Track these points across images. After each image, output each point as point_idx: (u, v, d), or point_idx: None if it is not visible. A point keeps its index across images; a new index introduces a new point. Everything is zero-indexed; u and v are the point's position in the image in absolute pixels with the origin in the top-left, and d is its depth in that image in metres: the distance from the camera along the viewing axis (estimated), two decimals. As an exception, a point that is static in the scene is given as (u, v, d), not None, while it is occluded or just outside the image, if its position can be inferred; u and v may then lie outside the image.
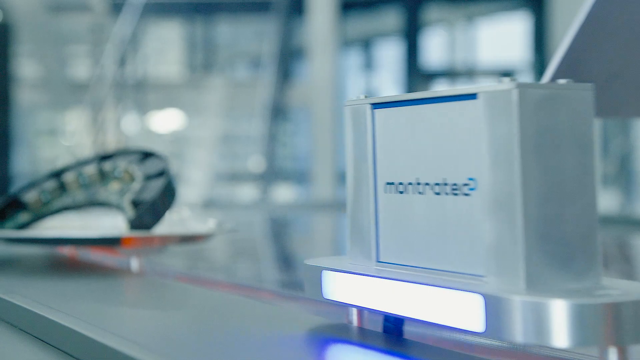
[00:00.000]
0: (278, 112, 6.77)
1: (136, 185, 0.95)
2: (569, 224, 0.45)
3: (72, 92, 7.04)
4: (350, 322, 0.58)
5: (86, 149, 6.38)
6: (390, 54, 7.20)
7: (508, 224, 0.45)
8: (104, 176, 1.02)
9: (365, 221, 0.57)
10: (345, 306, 0.57)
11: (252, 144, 6.69)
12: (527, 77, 6.35)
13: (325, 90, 6.16)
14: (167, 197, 0.94)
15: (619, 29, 0.60)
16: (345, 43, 7.13)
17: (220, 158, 7.01)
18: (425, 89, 6.32)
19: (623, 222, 2.79)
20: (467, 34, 7.11)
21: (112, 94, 6.60)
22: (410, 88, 6.59)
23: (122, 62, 6.67)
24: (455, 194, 0.49)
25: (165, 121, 7.36)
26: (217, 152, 7.01)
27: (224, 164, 6.99)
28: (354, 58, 7.57)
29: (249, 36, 7.82)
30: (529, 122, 0.45)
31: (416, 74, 6.73)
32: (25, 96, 6.54)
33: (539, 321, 0.41)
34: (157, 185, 0.94)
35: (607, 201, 5.28)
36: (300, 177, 7.11)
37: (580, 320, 0.41)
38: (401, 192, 0.54)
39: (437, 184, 0.51)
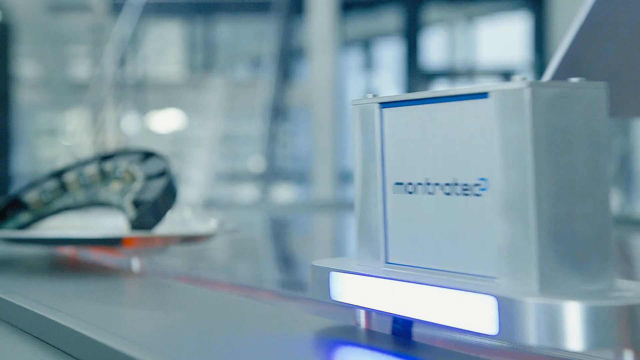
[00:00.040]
0: (278, 112, 6.77)
1: (137, 185, 0.95)
2: (582, 224, 0.45)
3: (72, 92, 7.04)
4: (358, 324, 0.57)
5: (86, 149, 6.37)
6: (390, 54, 7.19)
7: (521, 224, 0.45)
8: (104, 176, 1.01)
9: (374, 222, 0.56)
10: (353, 308, 0.56)
11: (252, 144, 6.69)
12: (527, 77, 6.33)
13: (325, 90, 6.16)
14: (168, 197, 0.94)
15: (619, 29, 0.60)
16: (345, 43, 7.12)
17: (220, 158, 7.01)
18: (425, 88, 6.32)
19: (623, 222, 2.79)
20: (467, 34, 7.11)
21: (112, 94, 6.60)
22: (410, 88, 6.59)
23: (122, 62, 6.66)
24: (466, 195, 0.49)
25: (165, 121, 7.36)
26: (217, 152, 7.01)
27: (224, 164, 6.99)
28: (354, 58, 7.57)
29: (249, 36, 7.82)
30: (541, 121, 0.44)
31: (416, 74, 6.72)
32: (25, 96, 6.54)
33: (553, 324, 0.41)
34: (158, 185, 0.93)
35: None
36: (300, 177, 7.10)
37: (595, 322, 0.40)
38: (410, 193, 0.53)
39: (447, 184, 0.50)
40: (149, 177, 0.96)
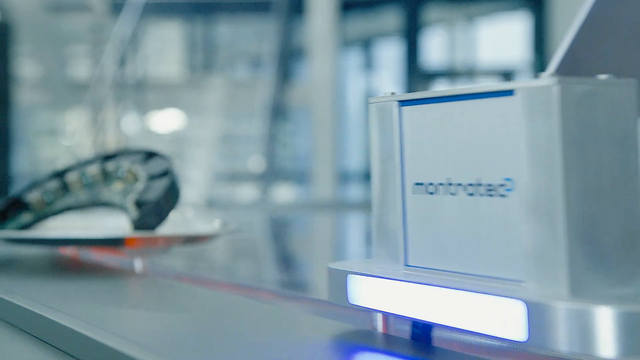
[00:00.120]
0: (278, 112, 6.77)
1: (140, 186, 0.94)
2: (612, 225, 0.43)
3: (72, 92, 7.04)
4: (375, 328, 0.56)
5: (86, 149, 6.37)
6: (390, 54, 7.19)
7: (549, 226, 0.43)
8: (107, 176, 1.01)
9: (393, 223, 0.54)
10: (371, 312, 0.55)
11: (252, 144, 6.69)
12: (527, 77, 6.34)
13: (325, 90, 6.16)
14: (171, 197, 0.93)
15: (620, 29, 0.59)
16: (345, 43, 7.12)
17: (220, 158, 7.01)
18: (425, 89, 6.32)
19: None
20: (467, 34, 7.11)
21: (112, 94, 6.59)
22: (410, 88, 6.58)
23: (122, 62, 6.66)
24: (491, 195, 0.47)
25: (165, 121, 7.36)
26: (217, 152, 7.01)
27: (224, 164, 6.99)
28: (354, 58, 7.57)
29: (249, 36, 7.82)
30: (570, 119, 0.43)
31: (416, 74, 6.72)
32: (25, 96, 6.54)
33: (584, 330, 0.39)
34: (160, 185, 0.93)
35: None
36: (300, 177, 7.10)
37: (629, 329, 0.39)
38: (431, 193, 0.52)
39: (470, 185, 0.49)
40: (152, 177, 0.95)
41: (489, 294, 0.44)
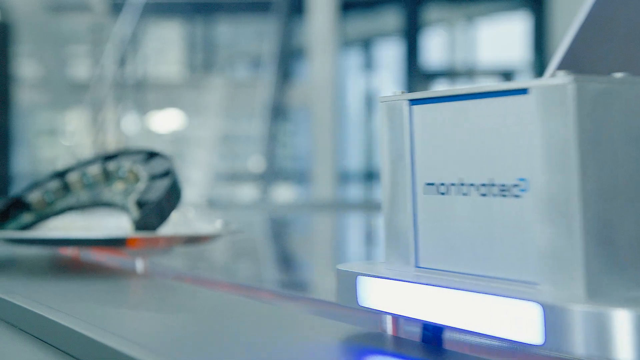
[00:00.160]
0: (278, 112, 6.76)
1: (141, 186, 0.94)
2: (629, 226, 0.42)
3: (72, 92, 7.04)
4: (384, 331, 0.55)
5: (86, 149, 6.37)
6: (390, 54, 7.19)
7: (565, 227, 0.42)
8: (108, 176, 1.00)
9: (403, 224, 0.54)
10: (381, 314, 0.54)
11: (252, 144, 6.69)
12: (527, 77, 6.34)
13: (325, 90, 6.15)
14: (172, 197, 0.93)
15: (620, 28, 0.59)
16: (345, 43, 7.12)
17: (220, 158, 7.01)
18: (425, 89, 6.31)
19: None
20: (467, 34, 7.11)
21: (112, 94, 6.59)
22: (410, 88, 6.58)
23: (122, 62, 6.66)
24: (504, 196, 0.46)
25: (165, 121, 7.36)
26: (217, 152, 7.01)
27: (224, 164, 6.99)
28: (354, 58, 7.57)
29: (249, 36, 7.82)
30: (586, 118, 0.42)
31: (416, 74, 6.72)
32: (25, 96, 6.53)
33: (602, 333, 0.39)
34: (162, 185, 0.93)
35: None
36: (300, 177, 7.10)
37: None
38: (442, 194, 0.51)
39: (483, 185, 0.48)
40: (153, 177, 0.95)
41: (503, 296, 0.43)
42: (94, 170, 1.01)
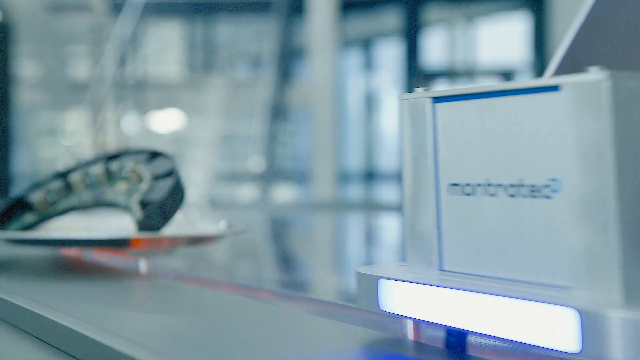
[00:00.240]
0: (278, 112, 6.76)
1: (144, 186, 0.94)
2: None
3: (72, 92, 7.03)
4: (405, 336, 0.54)
5: (86, 149, 6.37)
6: (390, 54, 7.19)
7: (600, 228, 0.40)
8: (110, 176, 1.00)
9: (426, 226, 0.52)
10: (403, 318, 0.52)
11: (252, 144, 6.68)
12: (527, 77, 6.33)
13: (325, 90, 6.15)
14: (176, 197, 0.93)
15: (620, 28, 0.59)
16: (345, 43, 7.12)
17: (220, 158, 7.01)
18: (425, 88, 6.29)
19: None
20: (467, 34, 7.10)
21: (112, 94, 6.59)
22: (410, 88, 6.57)
23: (122, 62, 6.66)
24: (534, 197, 0.44)
25: (165, 121, 7.35)
26: (217, 152, 7.01)
27: (224, 164, 6.98)
28: (354, 58, 7.56)
29: (249, 36, 7.81)
30: (622, 115, 0.40)
31: (416, 74, 6.71)
32: (25, 96, 6.53)
33: None
34: (165, 185, 0.92)
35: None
36: (300, 177, 7.10)
37: None
38: (468, 194, 0.49)
39: (511, 186, 0.46)
40: (156, 177, 0.95)
41: (536, 301, 0.41)
42: (97, 170, 1.00)
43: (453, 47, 7.15)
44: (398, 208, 4.18)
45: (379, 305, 0.53)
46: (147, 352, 0.49)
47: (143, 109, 6.99)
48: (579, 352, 0.39)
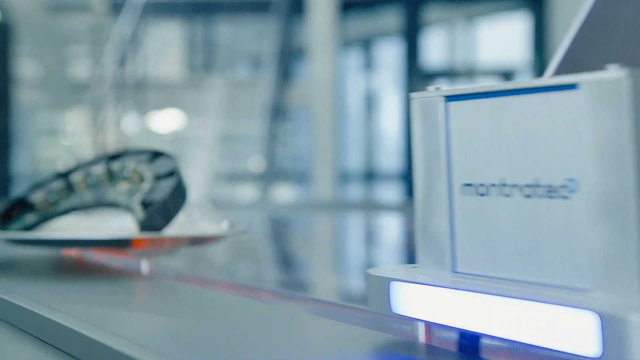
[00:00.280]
0: (278, 112, 6.76)
1: (146, 186, 0.93)
2: None
3: (72, 92, 7.03)
4: (416, 339, 0.53)
5: (86, 149, 6.37)
6: (390, 54, 7.18)
7: (620, 230, 0.40)
8: (112, 176, 1.00)
9: (439, 227, 0.51)
10: (415, 321, 0.52)
11: (252, 144, 6.68)
12: (527, 77, 6.34)
13: (325, 90, 6.15)
14: (177, 197, 0.92)
15: (620, 29, 0.59)
16: (345, 43, 7.12)
17: (220, 158, 7.01)
18: (425, 89, 6.30)
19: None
20: (467, 34, 7.10)
21: (112, 94, 6.59)
22: (410, 88, 6.58)
23: (122, 62, 6.66)
24: (551, 197, 0.44)
25: (165, 121, 7.35)
26: (217, 152, 7.01)
27: (224, 164, 6.99)
28: (354, 58, 7.56)
29: (249, 36, 7.82)
30: None
31: (416, 74, 6.72)
32: (25, 96, 6.53)
33: None
34: (167, 185, 0.92)
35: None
36: (300, 177, 7.10)
37: None
38: (482, 195, 0.48)
39: (527, 186, 0.45)
40: (158, 177, 0.94)
41: (554, 303, 0.40)
42: (98, 170, 1.00)
43: (453, 47, 7.15)
44: (398, 208, 4.18)
45: (390, 308, 0.52)
46: (147, 352, 0.49)
47: (143, 109, 6.99)
48: (600, 357, 0.38)
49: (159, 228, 0.89)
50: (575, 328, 0.39)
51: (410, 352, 0.52)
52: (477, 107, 0.49)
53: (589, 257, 0.42)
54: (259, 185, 6.35)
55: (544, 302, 0.41)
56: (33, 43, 7.14)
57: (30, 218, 1.02)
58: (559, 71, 0.59)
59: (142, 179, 0.96)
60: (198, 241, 0.95)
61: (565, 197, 0.43)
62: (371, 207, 4.70)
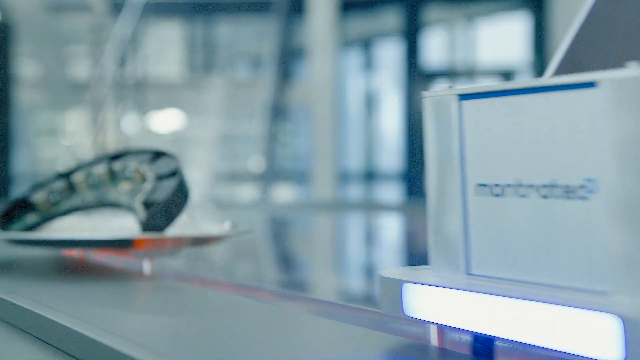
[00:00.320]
0: (278, 112, 6.76)
1: (148, 186, 0.93)
2: None
3: (72, 92, 7.03)
4: (428, 341, 0.52)
5: (86, 149, 6.37)
6: (390, 54, 7.18)
7: None
8: (114, 176, 0.99)
9: (453, 228, 0.50)
10: (428, 324, 0.51)
11: (252, 144, 6.68)
12: (527, 77, 6.33)
13: (325, 90, 6.15)
14: (179, 197, 0.92)
15: (620, 29, 0.58)
16: (345, 43, 7.12)
17: (220, 158, 7.01)
18: (425, 88, 6.31)
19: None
20: (467, 34, 7.10)
21: (112, 94, 6.59)
22: (410, 88, 6.58)
23: (122, 62, 6.65)
24: (569, 198, 0.43)
25: (165, 121, 7.35)
26: (217, 152, 7.01)
27: (224, 164, 6.98)
28: (354, 58, 7.56)
29: (249, 36, 7.81)
30: None
31: (416, 74, 6.71)
32: (25, 96, 6.53)
33: None
34: (169, 185, 0.91)
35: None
36: (300, 177, 7.10)
37: None
38: (497, 195, 0.47)
39: (544, 186, 0.44)
40: (160, 178, 0.94)
41: (573, 306, 0.39)
42: (100, 170, 0.99)
43: (453, 47, 7.15)
44: (398, 208, 4.18)
45: (403, 310, 0.51)
46: (147, 352, 0.49)
47: (143, 109, 6.99)
48: None
49: (161, 228, 0.89)
50: (595, 332, 0.38)
51: (422, 355, 0.51)
52: (492, 106, 0.48)
53: (608, 258, 0.41)
54: (259, 185, 6.35)
55: (562, 304, 0.40)
56: (33, 43, 7.14)
57: (31, 218, 1.01)
58: (559, 71, 0.59)
59: (143, 179, 0.96)
60: (200, 241, 0.95)
61: (583, 198, 0.42)
62: (371, 207, 4.69)
